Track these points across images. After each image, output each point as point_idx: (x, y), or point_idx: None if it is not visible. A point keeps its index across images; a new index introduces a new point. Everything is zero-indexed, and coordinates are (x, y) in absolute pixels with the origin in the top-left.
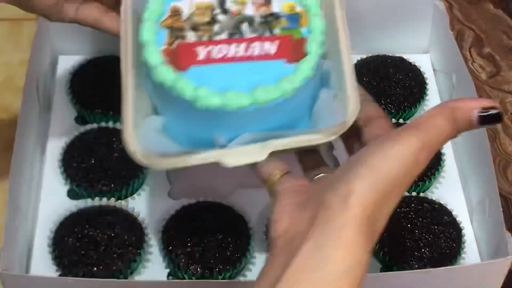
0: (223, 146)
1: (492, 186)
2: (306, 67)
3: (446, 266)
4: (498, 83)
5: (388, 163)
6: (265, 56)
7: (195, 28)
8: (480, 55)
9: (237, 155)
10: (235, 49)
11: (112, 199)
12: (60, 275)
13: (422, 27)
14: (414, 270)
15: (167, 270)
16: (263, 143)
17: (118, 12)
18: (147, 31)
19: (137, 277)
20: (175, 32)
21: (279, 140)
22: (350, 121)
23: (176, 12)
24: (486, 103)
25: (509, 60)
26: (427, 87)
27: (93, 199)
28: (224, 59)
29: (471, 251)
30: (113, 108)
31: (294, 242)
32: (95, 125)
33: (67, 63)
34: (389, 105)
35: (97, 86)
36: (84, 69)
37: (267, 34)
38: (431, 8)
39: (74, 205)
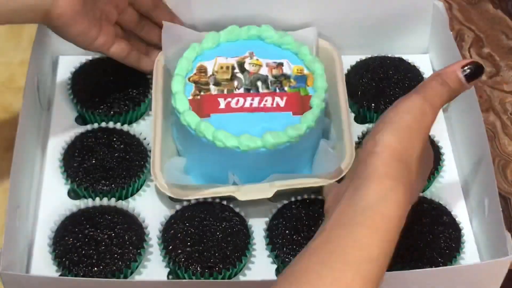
0: (235, 183)
1: (492, 186)
2: (309, 118)
3: (446, 266)
4: (498, 83)
5: (400, 115)
6: (276, 108)
7: (217, 83)
8: (480, 55)
9: (248, 192)
10: (251, 101)
11: (112, 199)
12: (60, 275)
13: (421, 27)
14: (414, 270)
15: (167, 270)
16: (271, 182)
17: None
18: (177, 84)
19: (137, 277)
20: (200, 86)
21: (284, 181)
22: (345, 170)
23: (202, 70)
24: (465, 62)
25: (509, 61)
26: None
27: (93, 199)
28: (241, 109)
29: (471, 251)
30: (113, 108)
31: (338, 199)
32: (95, 125)
33: (67, 63)
34: (388, 106)
35: (97, 86)
36: (85, 69)
37: (278, 91)
38: (431, 8)
39: (75, 205)
